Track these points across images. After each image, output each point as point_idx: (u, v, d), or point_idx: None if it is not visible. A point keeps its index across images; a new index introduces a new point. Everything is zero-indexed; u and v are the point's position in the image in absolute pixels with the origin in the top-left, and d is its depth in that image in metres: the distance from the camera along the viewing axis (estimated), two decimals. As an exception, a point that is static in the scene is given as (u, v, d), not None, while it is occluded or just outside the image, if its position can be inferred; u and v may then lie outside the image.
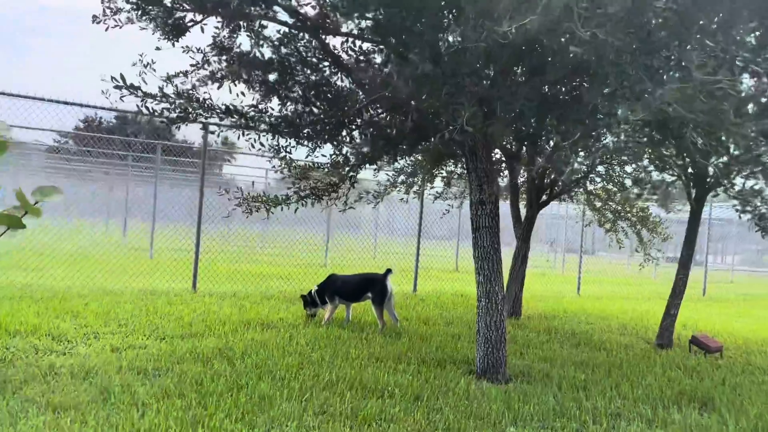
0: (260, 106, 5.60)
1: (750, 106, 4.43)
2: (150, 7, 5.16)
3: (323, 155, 6.52)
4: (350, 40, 5.58)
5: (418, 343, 6.76)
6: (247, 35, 5.58)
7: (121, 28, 5.56)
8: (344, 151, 6.47)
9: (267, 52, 5.69)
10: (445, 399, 4.71)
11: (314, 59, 5.84)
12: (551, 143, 5.17)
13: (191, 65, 5.56)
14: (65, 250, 12.14)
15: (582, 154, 6.30)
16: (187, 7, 5.21)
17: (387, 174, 9.70)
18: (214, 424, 3.77)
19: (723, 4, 4.29)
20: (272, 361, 5.47)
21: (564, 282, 15.92)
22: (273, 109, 5.64)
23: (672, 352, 7.40)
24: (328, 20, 5.52)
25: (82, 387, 4.41)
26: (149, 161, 20.06)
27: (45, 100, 8.61)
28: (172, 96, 4.97)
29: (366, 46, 5.73)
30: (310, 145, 6.28)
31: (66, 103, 8.72)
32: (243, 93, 5.74)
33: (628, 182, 9.59)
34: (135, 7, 5.15)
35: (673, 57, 4.20)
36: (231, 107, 5.31)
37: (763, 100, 4.65)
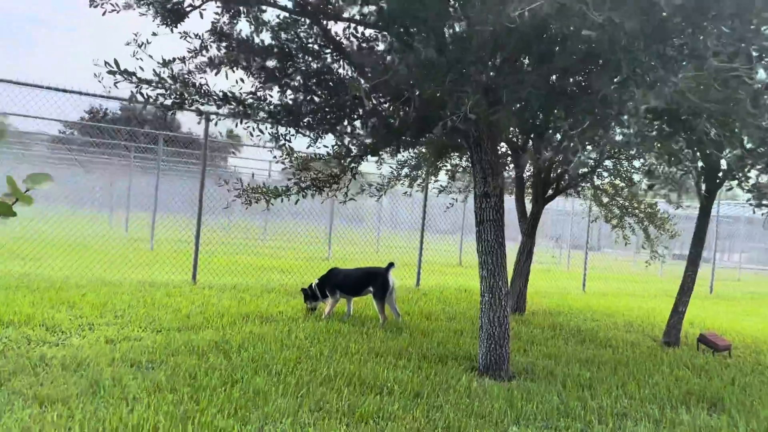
0: (259, 94, 5.45)
1: (766, 98, 4.25)
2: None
3: (325, 146, 6.37)
4: (352, 26, 5.43)
5: (419, 338, 6.61)
6: (247, 20, 5.43)
7: (118, 12, 5.42)
8: (346, 142, 6.32)
9: (267, 38, 5.54)
10: (445, 396, 4.57)
11: (315, 46, 5.69)
12: (559, 133, 5.01)
13: (189, 51, 5.42)
14: (65, 240, 12.05)
15: (589, 147, 6.15)
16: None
17: (390, 167, 9.56)
18: (205, 419, 3.64)
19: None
20: (269, 355, 5.33)
21: (569, 278, 15.75)
22: (272, 97, 5.49)
23: (679, 351, 7.24)
24: (330, 5, 5.37)
25: (72, 379, 4.28)
26: (153, 152, 19.95)
27: (43, 87, 8.48)
28: (168, 81, 4.82)
29: (368, 32, 5.57)
30: (311, 135, 6.14)
31: (64, 90, 8.58)
32: (242, 80, 5.60)
33: (636, 177, 9.43)
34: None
35: (686, 45, 4.03)
36: (229, 94, 5.16)
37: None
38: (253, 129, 5.56)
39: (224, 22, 5.69)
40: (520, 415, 4.33)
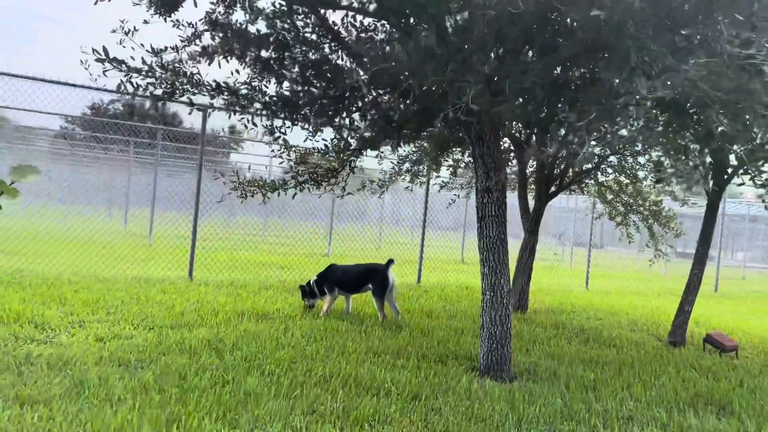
0: (254, 84, 5.27)
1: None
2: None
3: (324, 139, 6.19)
4: (350, 14, 5.25)
5: (419, 337, 6.45)
6: (242, 9, 5.26)
7: (110, 0, 5.25)
8: (345, 135, 6.15)
9: (263, 27, 5.37)
10: (444, 398, 4.40)
11: (313, 36, 5.51)
12: (563, 127, 4.83)
13: (182, 40, 5.24)
14: (62, 235, 11.90)
15: (593, 143, 5.96)
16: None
17: (391, 162, 9.40)
18: (191, 423, 3.47)
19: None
20: (263, 354, 5.17)
21: (572, 276, 15.55)
22: (267, 88, 5.32)
23: (685, 351, 7.06)
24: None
25: (57, 379, 4.12)
26: (154, 147, 19.79)
27: (37, 80, 8.32)
28: (159, 70, 4.64)
29: (367, 21, 5.39)
30: (309, 128, 5.96)
31: (56, 82, 8.42)
32: (238, 71, 5.43)
33: (642, 173, 9.24)
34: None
35: (698, 34, 3.85)
36: (223, 84, 4.99)
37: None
38: (248, 121, 5.38)
39: (220, 12, 5.52)
40: (522, 418, 4.16)
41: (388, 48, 5.31)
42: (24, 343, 5.03)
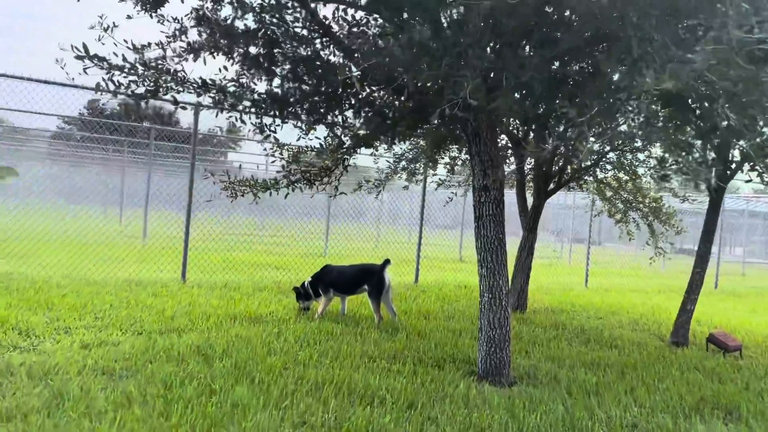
0: (242, 81, 5.09)
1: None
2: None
3: (317, 137, 6.01)
4: (341, 8, 5.06)
5: (415, 340, 6.28)
6: (229, 2, 5.06)
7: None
8: (338, 133, 5.97)
9: (251, 23, 5.18)
10: (441, 407, 4.22)
11: (304, 31, 5.32)
12: (562, 123, 4.66)
13: (167, 36, 5.04)
14: (56, 236, 11.71)
15: (592, 139, 5.80)
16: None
17: (387, 161, 9.22)
18: (174, 438, 3.31)
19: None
20: (254, 360, 4.99)
21: (571, 273, 15.39)
22: (256, 85, 5.13)
23: (688, 351, 6.90)
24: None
25: (36, 390, 3.95)
26: (153, 148, 19.56)
27: (27, 80, 8.13)
28: (141, 67, 4.45)
29: (359, 15, 5.21)
30: (301, 126, 5.78)
31: (46, 82, 8.23)
32: (226, 68, 5.24)
33: (641, 170, 9.07)
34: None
35: (702, 24, 3.68)
36: (209, 81, 4.80)
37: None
38: (236, 119, 5.20)
39: (207, 8, 5.33)
40: (522, 426, 3.99)
41: (381, 42, 5.13)
42: (6, 350, 4.86)
